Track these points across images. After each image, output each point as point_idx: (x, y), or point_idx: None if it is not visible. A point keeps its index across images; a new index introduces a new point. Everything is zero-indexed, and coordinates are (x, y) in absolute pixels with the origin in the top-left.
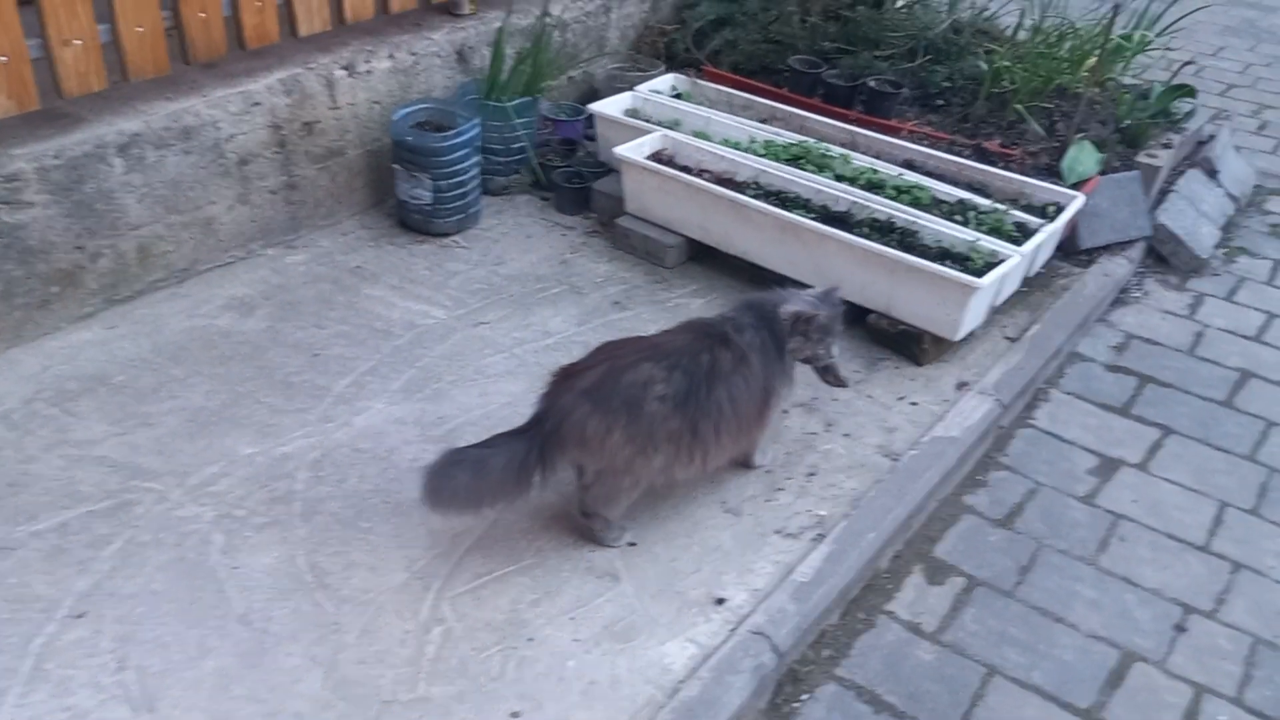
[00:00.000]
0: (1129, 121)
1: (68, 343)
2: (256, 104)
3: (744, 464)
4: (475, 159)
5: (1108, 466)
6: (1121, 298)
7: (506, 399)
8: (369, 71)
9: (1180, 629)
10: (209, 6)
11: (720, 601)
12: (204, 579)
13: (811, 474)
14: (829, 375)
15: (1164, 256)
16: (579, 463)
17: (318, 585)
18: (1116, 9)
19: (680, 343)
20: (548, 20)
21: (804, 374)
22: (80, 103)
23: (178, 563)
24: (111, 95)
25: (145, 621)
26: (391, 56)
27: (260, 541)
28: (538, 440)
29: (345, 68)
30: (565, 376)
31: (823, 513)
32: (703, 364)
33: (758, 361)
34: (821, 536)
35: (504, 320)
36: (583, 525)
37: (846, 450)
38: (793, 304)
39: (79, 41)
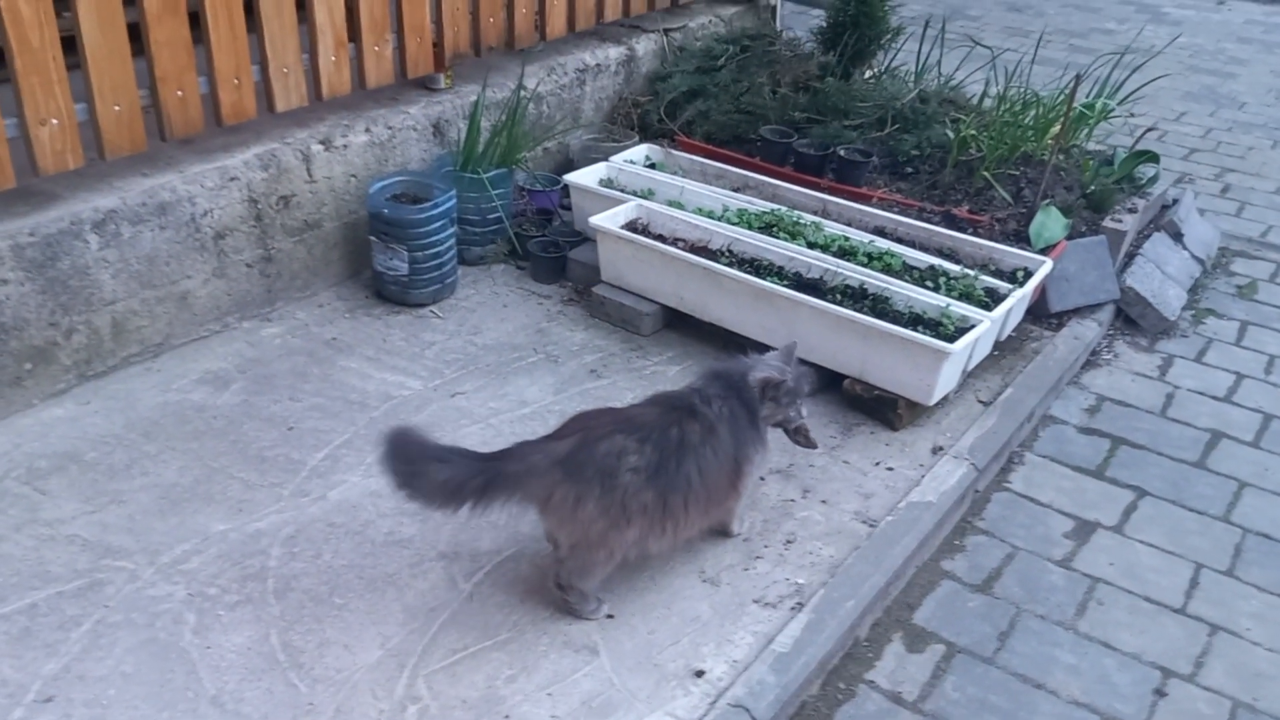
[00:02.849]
0: (1094, 187)
1: (39, 420)
2: (233, 179)
3: (722, 532)
4: (451, 230)
5: (1083, 529)
6: (1092, 360)
7: None
8: (346, 145)
9: (1160, 693)
10: (186, 85)
11: (699, 674)
12: (175, 660)
13: (789, 541)
14: (799, 437)
15: (1133, 319)
16: (553, 534)
17: (291, 664)
18: (1078, 79)
19: (650, 416)
20: (523, 94)
21: (778, 441)
22: (56, 180)
23: (149, 643)
24: (88, 172)
25: (115, 705)
26: (368, 130)
27: (233, 620)
28: (489, 473)
29: (322, 142)
30: (539, 441)
31: (801, 581)
32: (672, 437)
33: (726, 432)
34: (800, 605)
35: (480, 390)
36: (559, 598)
37: (824, 517)
38: (760, 370)
39: (55, 121)
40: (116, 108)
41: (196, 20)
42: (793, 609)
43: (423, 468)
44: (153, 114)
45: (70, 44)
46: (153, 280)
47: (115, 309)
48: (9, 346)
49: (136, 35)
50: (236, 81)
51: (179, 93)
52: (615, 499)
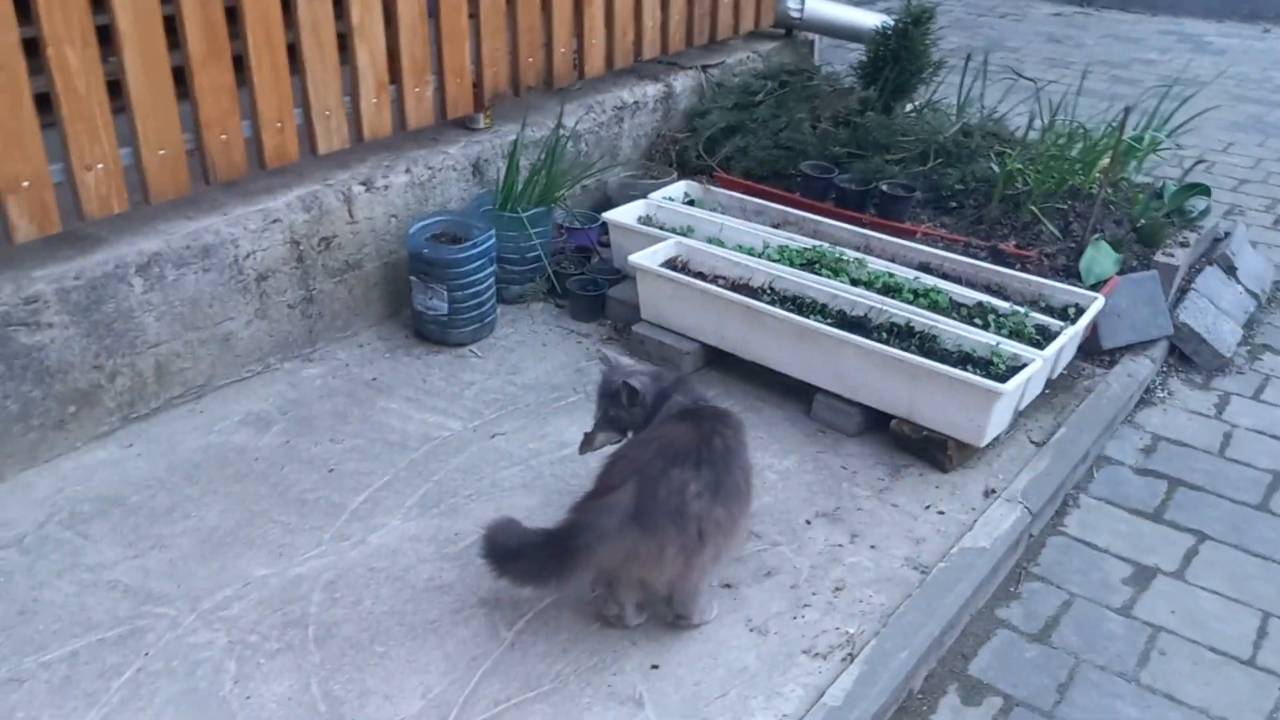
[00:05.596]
0: (1144, 221)
1: (82, 463)
2: (275, 221)
3: None
4: (491, 269)
5: (1142, 575)
6: (1146, 398)
7: (523, 513)
8: (386, 186)
9: None
10: (230, 128)
11: None
12: (216, 710)
13: (838, 588)
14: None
15: (1187, 355)
16: (643, 580)
17: (331, 715)
18: (1127, 111)
19: (689, 435)
20: (562, 132)
21: (824, 482)
22: (101, 224)
23: (189, 693)
24: (133, 216)
25: None
26: (408, 171)
27: (273, 669)
28: (563, 554)
29: (363, 183)
30: (596, 495)
31: (851, 630)
32: (717, 447)
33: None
34: (851, 656)
35: (520, 431)
36: (679, 625)
37: (873, 563)
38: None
39: (101, 165)
40: (161, 152)
41: (240, 63)
42: (843, 660)
43: (508, 565)
44: (197, 158)
45: (115, 87)
46: (196, 322)
47: (159, 351)
48: (53, 390)
49: (180, 78)
50: (279, 125)
51: (223, 137)
52: (690, 532)
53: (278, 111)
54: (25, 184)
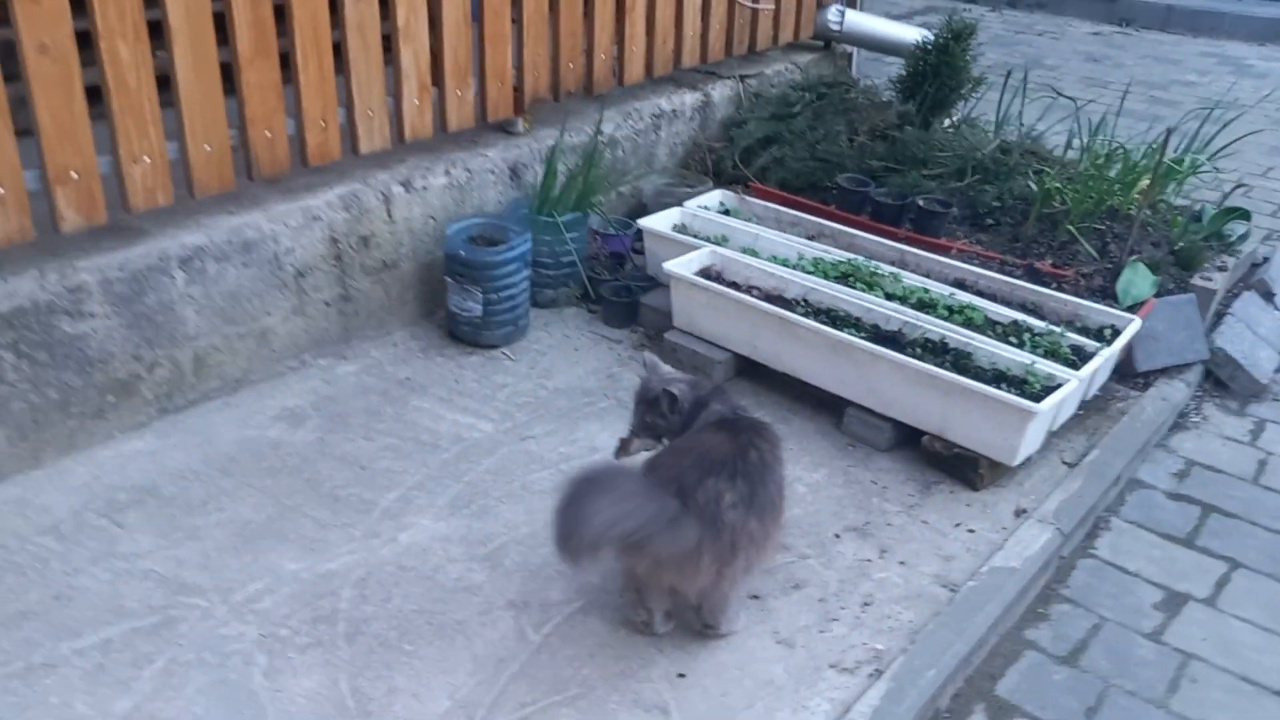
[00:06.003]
0: (1182, 244)
1: (119, 452)
2: (316, 218)
3: None
4: (525, 273)
5: (1174, 601)
6: (1180, 422)
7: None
8: (425, 187)
9: None
10: (274, 126)
11: None
12: (245, 702)
13: (867, 604)
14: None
15: (1222, 381)
16: (674, 587)
17: (359, 711)
18: (1169, 133)
19: (726, 446)
20: (600, 138)
21: (854, 497)
22: (146, 217)
23: (220, 684)
24: (177, 210)
25: None
26: (447, 173)
27: (303, 663)
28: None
29: (403, 184)
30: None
31: (879, 646)
32: (753, 460)
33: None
34: (879, 672)
35: (551, 435)
36: (708, 634)
37: (903, 579)
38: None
39: (148, 159)
40: (207, 148)
41: (286, 61)
42: (871, 676)
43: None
44: (241, 153)
45: (162, 82)
46: (235, 317)
47: (198, 344)
48: (93, 379)
49: (228, 75)
50: (323, 123)
51: (267, 134)
52: (724, 542)
53: (322, 110)
54: (74, 175)
